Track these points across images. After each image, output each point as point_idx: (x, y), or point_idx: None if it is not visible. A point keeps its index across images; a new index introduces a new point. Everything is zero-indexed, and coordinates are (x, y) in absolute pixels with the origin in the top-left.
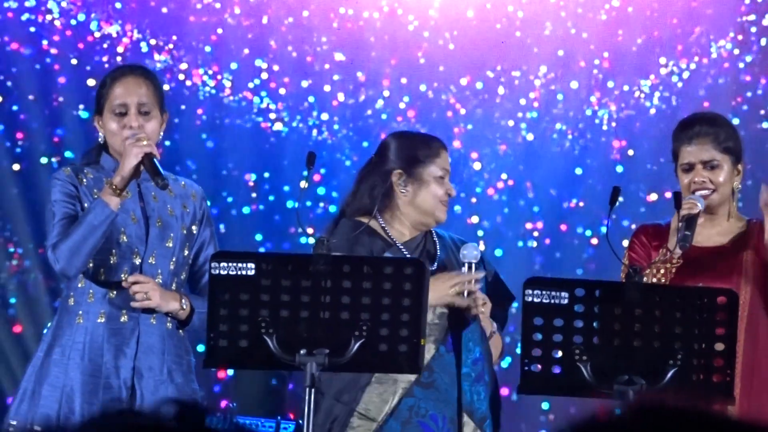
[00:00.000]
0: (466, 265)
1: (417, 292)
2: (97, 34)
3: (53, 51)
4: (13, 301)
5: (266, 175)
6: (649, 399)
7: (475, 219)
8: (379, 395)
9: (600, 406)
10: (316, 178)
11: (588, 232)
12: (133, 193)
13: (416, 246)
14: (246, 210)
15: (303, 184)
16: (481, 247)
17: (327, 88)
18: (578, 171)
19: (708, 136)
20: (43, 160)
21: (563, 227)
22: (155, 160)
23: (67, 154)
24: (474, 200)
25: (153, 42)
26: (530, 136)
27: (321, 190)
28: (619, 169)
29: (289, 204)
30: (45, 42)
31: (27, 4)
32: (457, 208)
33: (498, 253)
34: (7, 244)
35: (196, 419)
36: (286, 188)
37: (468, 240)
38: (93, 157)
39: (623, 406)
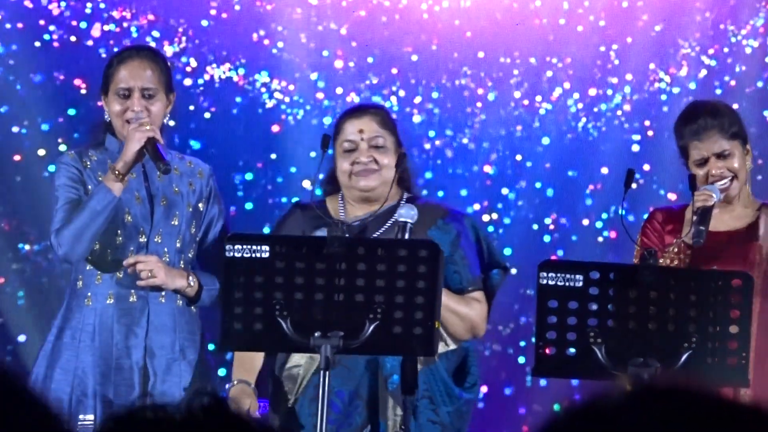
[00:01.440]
0: (401, 224)
1: (431, 274)
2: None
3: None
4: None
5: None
6: (650, 382)
7: (485, 203)
8: (291, 376)
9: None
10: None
11: (604, 215)
12: (138, 173)
13: (360, 224)
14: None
15: (318, 179)
16: (490, 228)
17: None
18: (594, 155)
19: (714, 128)
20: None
21: (580, 213)
22: (158, 144)
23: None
24: (489, 182)
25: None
26: (544, 121)
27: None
28: (635, 147)
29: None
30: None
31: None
32: (464, 191)
33: (509, 224)
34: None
35: (223, 412)
36: (293, 169)
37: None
38: (99, 135)
39: (622, 389)
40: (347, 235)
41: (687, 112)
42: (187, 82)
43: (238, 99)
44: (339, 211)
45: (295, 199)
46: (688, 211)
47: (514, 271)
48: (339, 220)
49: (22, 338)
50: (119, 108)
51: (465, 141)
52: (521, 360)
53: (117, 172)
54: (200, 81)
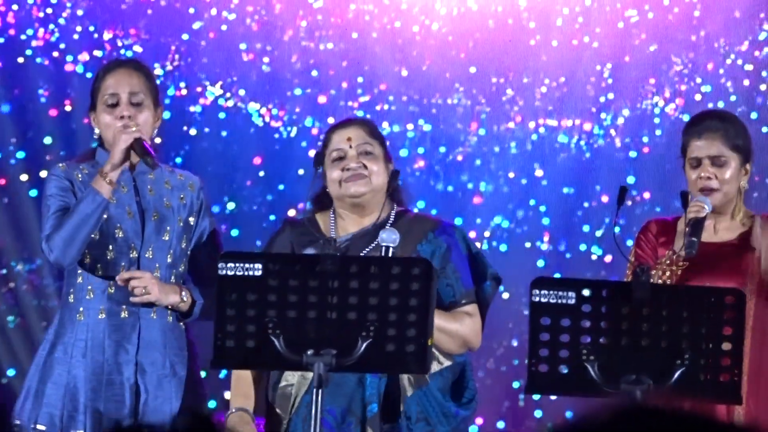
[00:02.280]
0: (383, 248)
1: (424, 292)
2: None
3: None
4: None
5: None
6: (635, 401)
7: (478, 221)
8: (284, 395)
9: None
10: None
11: (599, 233)
12: (129, 187)
13: (346, 243)
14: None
15: (311, 196)
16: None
17: (332, 92)
18: (588, 173)
19: (717, 131)
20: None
21: (573, 228)
22: (145, 143)
23: None
24: (478, 200)
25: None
26: (539, 136)
27: None
28: (630, 179)
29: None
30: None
31: None
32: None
33: (503, 247)
34: None
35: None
36: (281, 187)
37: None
38: (89, 154)
39: (608, 408)
40: (339, 254)
41: (698, 114)
42: (178, 101)
43: (221, 115)
44: (330, 226)
45: (292, 212)
46: (680, 222)
47: (506, 296)
48: (329, 237)
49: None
50: (109, 118)
51: (459, 158)
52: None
53: (105, 174)
54: (190, 101)
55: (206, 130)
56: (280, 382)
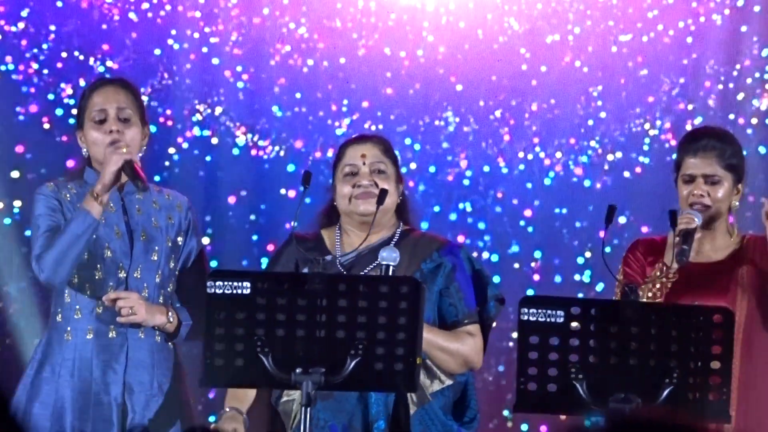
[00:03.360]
0: (383, 267)
1: (413, 310)
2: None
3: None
4: None
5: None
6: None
7: (467, 240)
8: (285, 411)
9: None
10: None
11: (588, 254)
12: (117, 206)
13: (350, 261)
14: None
15: (298, 215)
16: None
17: (320, 113)
18: (582, 190)
19: (714, 150)
20: None
21: (564, 250)
22: (135, 165)
23: None
24: (470, 220)
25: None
26: (531, 156)
27: None
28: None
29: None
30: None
31: None
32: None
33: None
34: None
35: None
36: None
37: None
38: (76, 172)
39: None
40: (328, 272)
41: (695, 130)
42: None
43: (206, 132)
44: (336, 243)
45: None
46: (669, 236)
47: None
48: (332, 256)
49: None
50: (96, 134)
51: (450, 178)
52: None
53: (95, 195)
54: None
55: (193, 151)
56: (282, 397)
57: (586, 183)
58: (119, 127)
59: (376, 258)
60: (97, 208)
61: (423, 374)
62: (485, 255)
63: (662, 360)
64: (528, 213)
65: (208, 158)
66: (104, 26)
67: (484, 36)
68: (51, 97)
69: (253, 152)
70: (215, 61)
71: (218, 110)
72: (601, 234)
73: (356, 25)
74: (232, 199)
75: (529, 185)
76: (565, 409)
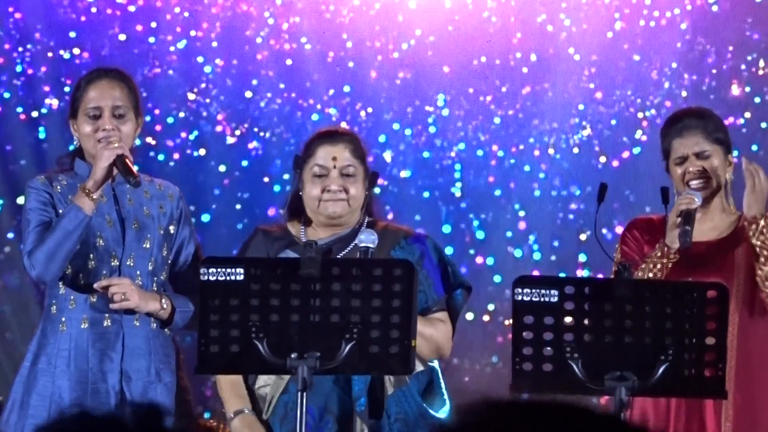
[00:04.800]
0: (362, 249)
1: (407, 293)
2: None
3: None
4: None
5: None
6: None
7: (462, 225)
8: (260, 396)
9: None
10: None
11: (583, 236)
12: (108, 196)
13: (324, 245)
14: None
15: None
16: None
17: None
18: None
19: (697, 128)
20: None
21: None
22: (128, 160)
23: None
24: (463, 205)
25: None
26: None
27: None
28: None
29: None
30: None
31: None
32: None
33: (489, 261)
34: None
35: (154, 422)
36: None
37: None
38: (67, 162)
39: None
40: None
41: (674, 114)
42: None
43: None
44: (301, 235)
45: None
46: (671, 214)
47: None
48: (309, 240)
49: None
50: (90, 129)
51: (447, 162)
52: None
53: (87, 191)
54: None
55: (174, 143)
56: (255, 383)
57: (577, 167)
58: (114, 124)
59: (348, 243)
60: (89, 203)
61: None
62: (480, 235)
63: (657, 337)
64: (522, 197)
65: (202, 151)
66: (83, 18)
67: (473, 16)
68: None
69: (231, 140)
70: (200, 58)
71: (203, 100)
72: (594, 222)
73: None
74: (216, 191)
75: (527, 168)
76: (561, 388)
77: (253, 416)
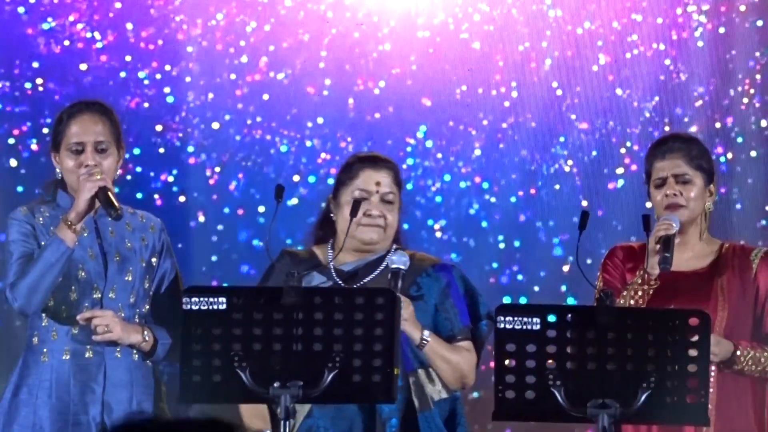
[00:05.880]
0: (392, 271)
1: (389, 321)
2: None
3: None
4: None
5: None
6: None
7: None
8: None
9: None
10: None
11: (565, 267)
12: (90, 229)
13: (350, 270)
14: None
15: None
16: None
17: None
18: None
19: (680, 151)
20: None
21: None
22: (110, 193)
23: None
24: (443, 222)
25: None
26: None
27: None
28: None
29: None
30: None
31: None
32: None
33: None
34: None
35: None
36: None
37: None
38: (50, 192)
39: None
40: (312, 285)
41: (660, 137)
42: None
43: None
44: (328, 258)
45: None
46: (650, 241)
47: None
48: (290, 271)
49: None
50: (72, 164)
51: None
52: None
53: (69, 223)
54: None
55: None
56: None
57: (562, 199)
58: (96, 160)
59: (377, 266)
60: (71, 236)
61: (426, 381)
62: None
63: (639, 364)
64: (506, 226)
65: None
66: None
67: (452, 43)
68: None
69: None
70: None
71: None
72: (576, 250)
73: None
74: (193, 223)
75: (513, 199)
76: (543, 416)
77: None
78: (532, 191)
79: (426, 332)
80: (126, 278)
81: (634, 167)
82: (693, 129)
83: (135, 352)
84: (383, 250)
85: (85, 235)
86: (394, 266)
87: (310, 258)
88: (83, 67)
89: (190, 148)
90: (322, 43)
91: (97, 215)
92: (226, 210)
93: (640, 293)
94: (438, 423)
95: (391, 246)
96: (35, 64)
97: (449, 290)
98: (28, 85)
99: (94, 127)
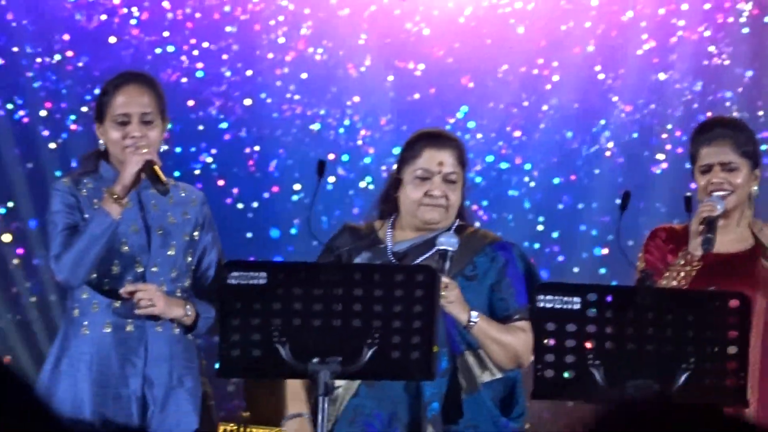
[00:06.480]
0: (441, 252)
1: (428, 298)
2: None
3: None
4: None
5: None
6: None
7: (484, 217)
8: (332, 399)
9: None
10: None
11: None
12: (134, 202)
13: (405, 249)
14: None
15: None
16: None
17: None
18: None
19: (727, 138)
20: None
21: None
22: (156, 166)
23: None
24: (484, 203)
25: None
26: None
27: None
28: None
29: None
30: None
31: None
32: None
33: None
34: None
35: None
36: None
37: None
38: (91, 164)
39: None
40: (374, 261)
41: (707, 121)
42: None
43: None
44: (387, 235)
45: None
46: (693, 222)
47: None
48: (384, 246)
49: None
50: (118, 135)
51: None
52: None
53: (115, 196)
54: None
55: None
56: None
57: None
58: (142, 131)
59: (430, 248)
60: (116, 209)
61: (474, 363)
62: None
63: (679, 346)
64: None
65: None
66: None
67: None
68: None
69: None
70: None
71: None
72: (617, 231)
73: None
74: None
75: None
76: (582, 395)
77: (310, 424)
78: (573, 173)
79: (474, 313)
80: (169, 252)
81: (680, 150)
82: (734, 114)
83: (176, 326)
84: (444, 228)
85: (129, 207)
86: (441, 248)
87: (369, 234)
88: (115, 41)
89: (224, 125)
90: (362, 18)
91: (141, 188)
92: (264, 187)
93: (682, 274)
94: (488, 405)
95: (454, 223)
96: (66, 36)
97: (506, 269)
98: (58, 57)
99: (140, 98)
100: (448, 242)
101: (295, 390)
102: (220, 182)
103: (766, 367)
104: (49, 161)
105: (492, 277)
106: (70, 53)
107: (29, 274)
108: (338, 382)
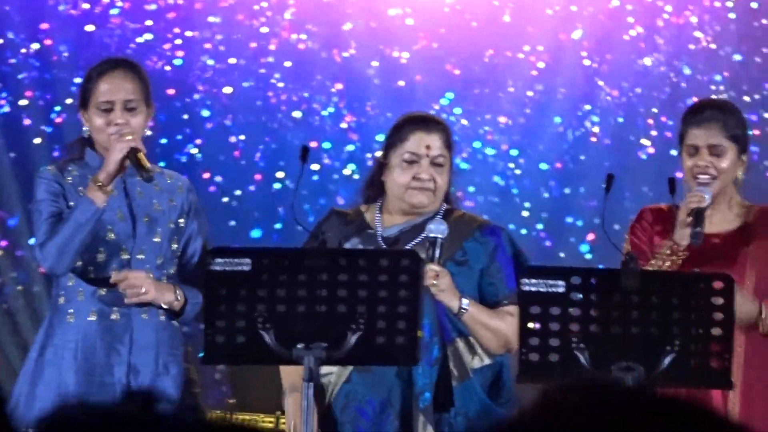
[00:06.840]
0: (431, 239)
1: (413, 283)
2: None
3: None
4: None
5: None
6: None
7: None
8: (324, 384)
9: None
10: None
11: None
12: (119, 190)
13: (395, 235)
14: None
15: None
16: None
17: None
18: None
19: (717, 121)
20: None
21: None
22: (141, 154)
23: None
24: (472, 189)
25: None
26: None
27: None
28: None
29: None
30: None
31: None
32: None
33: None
34: None
35: (146, 406)
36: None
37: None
38: (76, 150)
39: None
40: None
41: (697, 103)
42: None
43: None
44: (375, 220)
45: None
46: (681, 211)
47: None
48: (374, 232)
49: None
50: (101, 122)
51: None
52: None
53: (99, 183)
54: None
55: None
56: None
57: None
58: (125, 118)
59: (419, 233)
60: (101, 196)
61: (465, 350)
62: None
63: (664, 328)
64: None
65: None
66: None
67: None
68: None
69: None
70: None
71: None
72: (602, 214)
73: None
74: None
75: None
76: (566, 378)
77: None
78: (560, 159)
79: (465, 301)
80: (154, 239)
81: (667, 134)
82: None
83: (162, 313)
84: (432, 212)
85: (114, 195)
86: (431, 235)
87: (356, 218)
88: (92, 29)
89: (206, 112)
90: (346, 4)
91: (126, 175)
92: (246, 174)
93: (668, 264)
94: (478, 392)
95: (441, 207)
96: (44, 26)
97: (496, 254)
98: (35, 46)
99: (124, 85)
100: (438, 229)
101: (289, 367)
102: (206, 174)
103: (749, 350)
104: (34, 151)
105: (482, 262)
106: (51, 42)
107: (14, 265)
108: (330, 369)
